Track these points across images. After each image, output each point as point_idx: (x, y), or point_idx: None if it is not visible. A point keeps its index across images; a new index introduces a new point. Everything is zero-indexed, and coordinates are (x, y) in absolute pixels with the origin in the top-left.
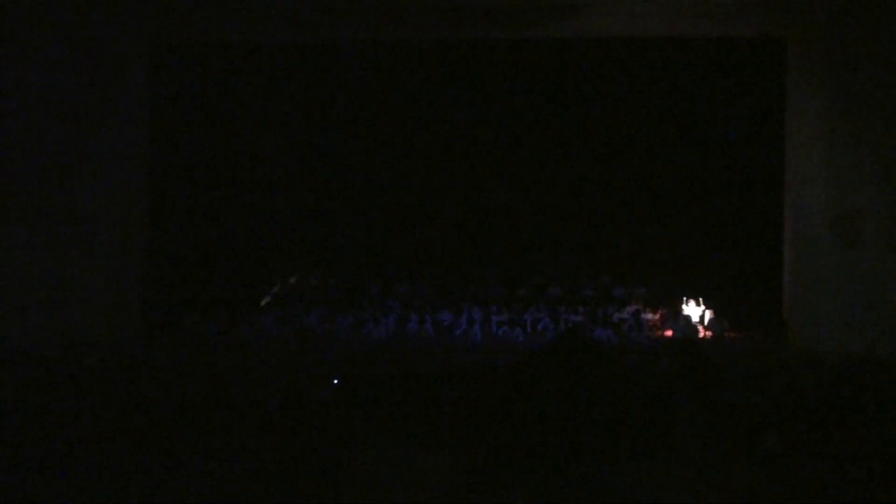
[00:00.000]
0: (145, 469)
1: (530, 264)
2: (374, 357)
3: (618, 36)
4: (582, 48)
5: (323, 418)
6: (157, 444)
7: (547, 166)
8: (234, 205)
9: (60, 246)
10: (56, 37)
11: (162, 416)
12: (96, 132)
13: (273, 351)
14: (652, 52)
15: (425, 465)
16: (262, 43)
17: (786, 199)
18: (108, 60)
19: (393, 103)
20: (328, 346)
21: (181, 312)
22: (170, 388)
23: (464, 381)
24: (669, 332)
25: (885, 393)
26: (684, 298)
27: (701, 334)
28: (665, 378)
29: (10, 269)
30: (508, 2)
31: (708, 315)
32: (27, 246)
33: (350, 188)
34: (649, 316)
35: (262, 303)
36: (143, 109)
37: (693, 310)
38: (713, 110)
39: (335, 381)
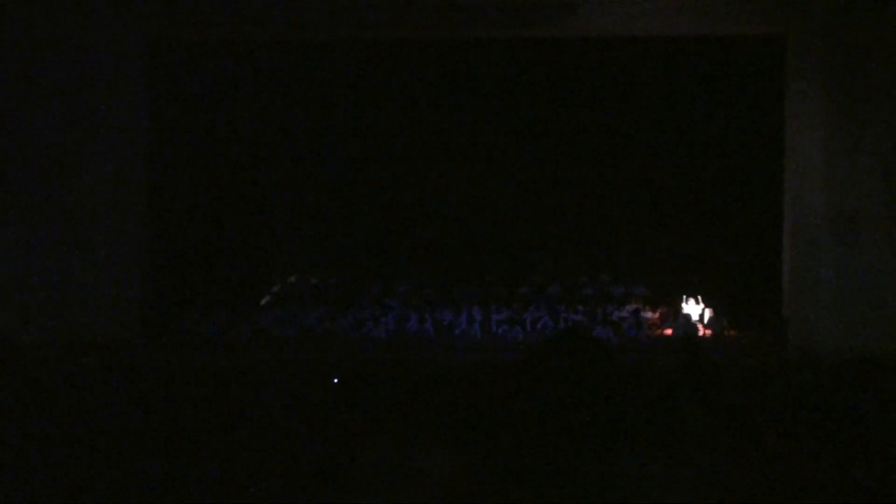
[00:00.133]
0: (145, 469)
1: (530, 263)
2: (374, 356)
3: (616, 35)
4: (581, 47)
5: (323, 418)
6: (157, 443)
7: (546, 165)
8: (234, 204)
9: (60, 246)
10: (55, 36)
11: (161, 416)
12: (95, 132)
13: (273, 351)
14: (651, 51)
15: (425, 465)
16: (262, 41)
17: (785, 198)
18: (108, 59)
19: (392, 103)
20: (328, 345)
21: (181, 312)
22: (170, 388)
23: (463, 380)
24: (669, 331)
25: (885, 392)
26: (684, 297)
27: (700, 333)
28: (665, 377)
29: (10, 269)
30: (507, 1)
31: (707, 314)
32: (27, 246)
33: (350, 187)
34: (649, 314)
35: (262, 302)
36: (142, 108)
37: (693, 308)
38: (712, 109)
39: (335, 381)
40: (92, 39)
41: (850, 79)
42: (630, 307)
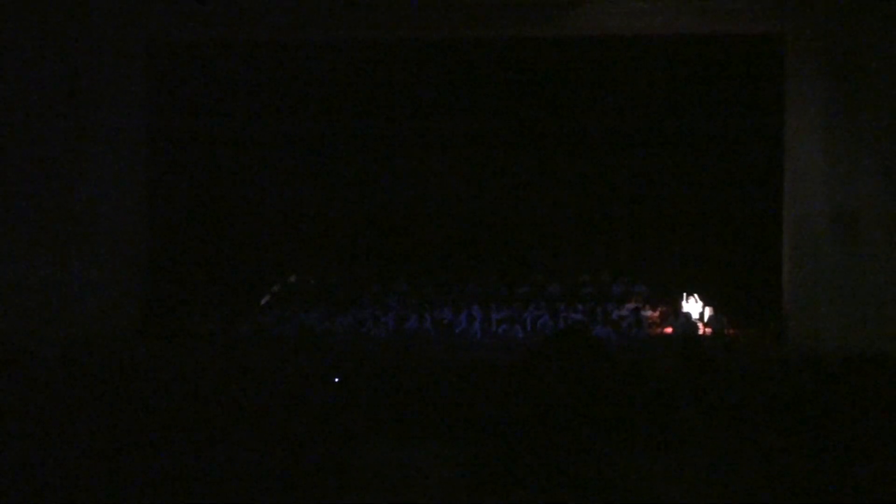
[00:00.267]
0: (145, 469)
1: (530, 262)
2: (374, 355)
3: (617, 34)
4: (581, 46)
5: (323, 417)
6: (157, 443)
7: (546, 164)
8: (234, 204)
9: (60, 246)
10: (55, 38)
11: (161, 416)
12: (96, 132)
13: (273, 350)
14: (651, 50)
15: (425, 465)
16: (262, 41)
17: (785, 197)
18: (107, 60)
19: (393, 102)
20: (328, 344)
21: (181, 312)
22: (169, 388)
23: (463, 380)
24: (669, 330)
25: (885, 391)
26: (684, 296)
27: (700, 331)
28: (665, 376)
29: (10, 269)
30: (507, 0)
31: (707, 312)
32: (27, 246)
33: (350, 187)
34: (649, 313)
35: (262, 302)
36: (141, 109)
37: (693, 307)
38: (712, 109)
39: (336, 380)
40: (92, 40)
41: (850, 78)
42: (630, 306)
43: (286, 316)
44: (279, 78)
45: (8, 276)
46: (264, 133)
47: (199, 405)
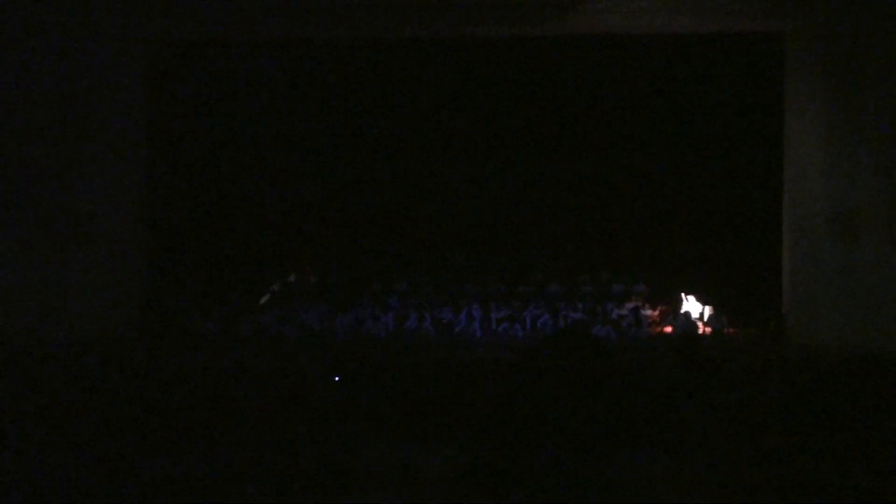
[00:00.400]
0: (145, 467)
1: (530, 261)
2: (374, 355)
3: (617, 33)
4: (581, 45)
5: (323, 417)
6: (157, 443)
7: (546, 163)
8: (234, 204)
9: (60, 246)
10: (55, 39)
11: (161, 415)
12: (95, 132)
13: (272, 349)
14: (651, 49)
15: (425, 464)
16: (260, 41)
17: (785, 196)
18: (107, 61)
19: (393, 102)
20: (328, 343)
21: (181, 311)
22: (170, 388)
23: (463, 379)
24: (669, 329)
25: (884, 390)
26: (684, 295)
27: (700, 330)
28: (665, 375)
29: (10, 269)
30: (507, 0)
31: (707, 311)
32: (27, 246)
33: (350, 187)
34: (649, 312)
35: (262, 301)
36: (140, 108)
37: (692, 306)
38: (712, 108)
39: (336, 379)
40: (91, 41)
41: (850, 77)
42: (630, 305)
43: (286, 315)
44: (279, 78)
45: (8, 276)
46: (264, 132)
47: (199, 405)
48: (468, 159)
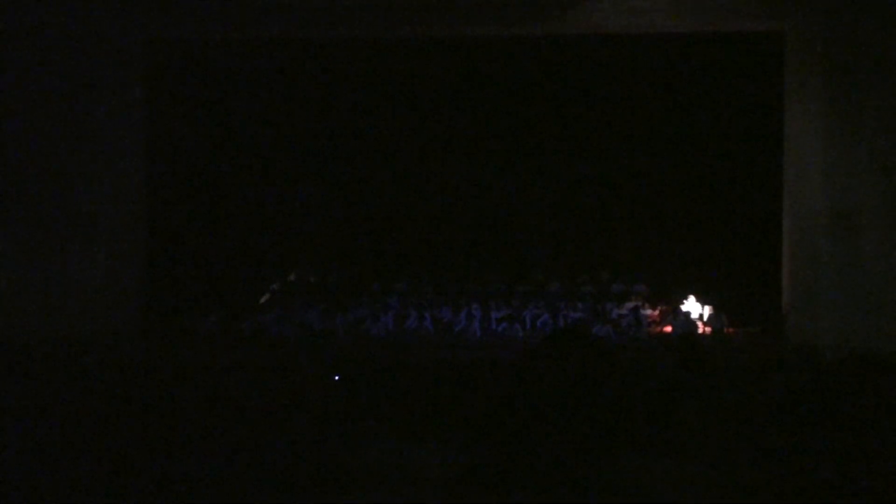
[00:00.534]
0: (145, 468)
1: (530, 261)
2: (374, 354)
3: (616, 32)
4: (581, 45)
5: (323, 416)
6: (157, 443)
7: (546, 163)
8: (233, 203)
9: (60, 245)
10: (53, 38)
11: (161, 415)
12: (94, 131)
13: (272, 349)
14: (650, 48)
15: (425, 464)
16: (259, 40)
17: (784, 195)
18: (107, 60)
19: (392, 101)
20: (328, 343)
21: (181, 311)
22: (169, 388)
23: (463, 379)
24: (669, 329)
25: (884, 391)
26: (683, 295)
27: (700, 331)
28: (665, 375)
29: (11, 269)
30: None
31: (707, 311)
32: (27, 246)
33: (349, 186)
34: (648, 312)
35: (262, 300)
36: (140, 108)
37: (692, 306)
38: (712, 107)
39: (336, 378)
40: (91, 41)
41: (849, 77)
42: (630, 305)
43: (286, 315)
44: (279, 78)
45: (8, 276)
46: (264, 132)
47: (199, 404)
48: (468, 159)
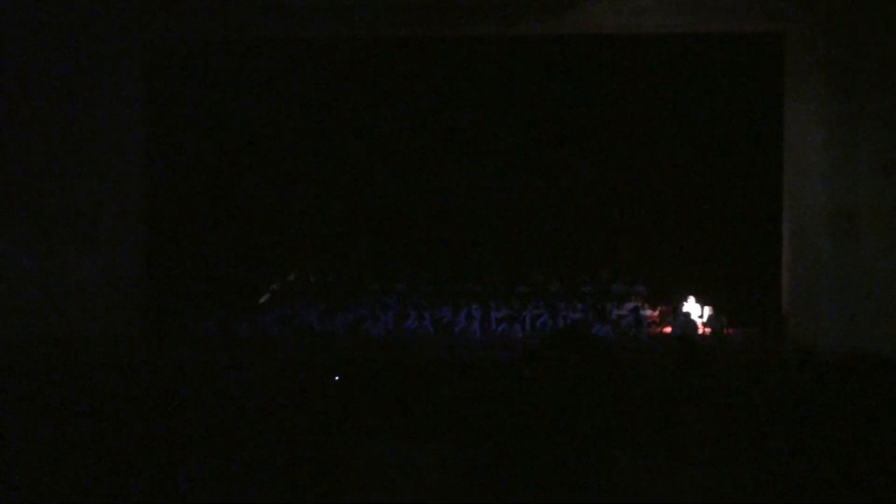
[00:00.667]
0: (144, 468)
1: (529, 261)
2: (374, 354)
3: (616, 33)
4: (580, 45)
5: (322, 416)
6: (156, 443)
7: (546, 163)
8: (233, 203)
9: (60, 245)
10: (53, 38)
11: (161, 415)
12: (95, 132)
13: (272, 349)
14: (650, 48)
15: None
16: (259, 40)
17: (785, 196)
18: (107, 60)
19: (392, 101)
20: (327, 343)
21: (180, 311)
22: (169, 387)
23: (463, 379)
24: (668, 329)
25: (884, 391)
26: (683, 295)
27: (700, 331)
28: (666, 376)
29: (10, 269)
30: None
31: (707, 312)
32: (26, 245)
33: (348, 186)
34: (648, 313)
35: (261, 301)
36: (140, 108)
37: (692, 306)
38: (712, 108)
39: (336, 378)
40: (91, 41)
41: (850, 77)
42: (629, 305)
43: (286, 315)
44: (279, 77)
45: (8, 276)
46: (264, 132)
47: (199, 404)
48: (468, 159)
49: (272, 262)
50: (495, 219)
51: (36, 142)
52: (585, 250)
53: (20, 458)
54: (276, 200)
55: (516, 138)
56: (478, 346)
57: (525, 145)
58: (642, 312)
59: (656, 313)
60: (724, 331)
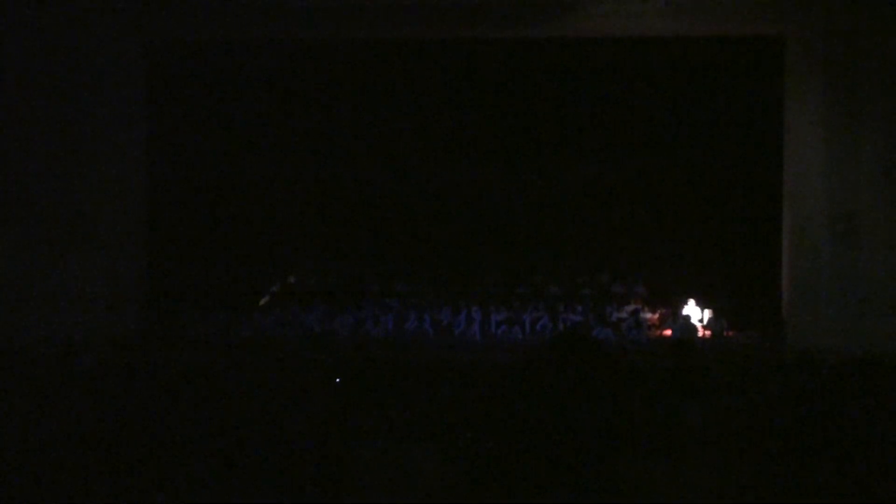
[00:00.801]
0: (144, 469)
1: (529, 263)
2: (374, 356)
3: (616, 35)
4: (581, 48)
5: (322, 418)
6: (156, 443)
7: (546, 165)
8: (233, 204)
9: (60, 246)
10: (55, 39)
11: (161, 416)
12: (95, 132)
13: (272, 350)
14: (651, 51)
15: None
16: (259, 40)
17: (784, 198)
18: (107, 61)
19: (392, 101)
20: (327, 345)
21: (180, 312)
22: (169, 388)
23: (463, 381)
24: (668, 332)
25: (884, 393)
26: (683, 298)
27: (700, 334)
28: (665, 377)
29: (10, 269)
30: (507, 1)
31: (707, 314)
32: (27, 246)
33: (349, 187)
34: (648, 315)
35: (261, 302)
36: (140, 108)
37: (692, 309)
38: (712, 110)
39: (337, 381)
40: (91, 41)
41: (850, 79)
42: (629, 308)
43: (285, 317)
44: (279, 78)
45: (7, 277)
46: (264, 133)
47: (199, 406)
48: (468, 161)
49: (272, 263)
50: (495, 221)
51: (36, 142)
52: (586, 253)
53: (20, 461)
54: (276, 202)
55: (517, 141)
56: (478, 347)
57: (526, 148)
58: (642, 315)
59: (656, 316)
60: (724, 333)
